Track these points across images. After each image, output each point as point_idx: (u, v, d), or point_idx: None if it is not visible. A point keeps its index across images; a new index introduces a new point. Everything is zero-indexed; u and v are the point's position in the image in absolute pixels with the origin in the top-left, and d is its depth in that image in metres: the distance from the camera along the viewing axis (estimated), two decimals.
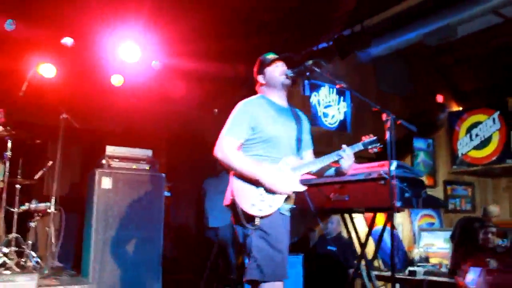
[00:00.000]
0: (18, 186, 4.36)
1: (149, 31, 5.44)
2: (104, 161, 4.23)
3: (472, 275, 1.55)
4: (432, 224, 7.48)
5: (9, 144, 4.13)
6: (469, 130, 7.68)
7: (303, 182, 3.94)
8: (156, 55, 5.70)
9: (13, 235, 4.30)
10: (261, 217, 2.63)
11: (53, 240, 4.43)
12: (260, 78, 2.94)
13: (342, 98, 7.28)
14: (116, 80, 5.80)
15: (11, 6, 4.64)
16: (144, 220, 4.27)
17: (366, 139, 2.91)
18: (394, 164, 3.27)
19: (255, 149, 2.78)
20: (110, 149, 4.29)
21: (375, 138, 2.89)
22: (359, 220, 6.32)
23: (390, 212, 2.75)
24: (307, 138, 3.01)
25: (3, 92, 4.35)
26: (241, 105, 2.82)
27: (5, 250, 4.07)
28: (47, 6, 4.62)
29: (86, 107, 5.09)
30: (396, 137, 7.94)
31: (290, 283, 4.29)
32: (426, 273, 5.32)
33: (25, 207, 4.52)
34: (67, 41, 5.29)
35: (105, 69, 5.67)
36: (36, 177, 4.52)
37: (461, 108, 8.07)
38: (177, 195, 5.35)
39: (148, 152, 4.45)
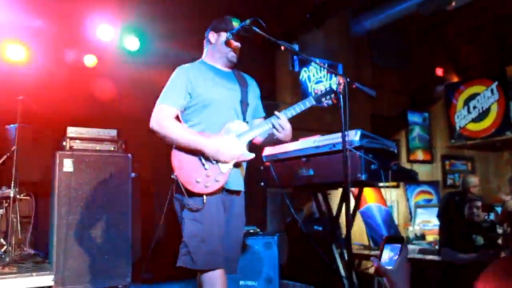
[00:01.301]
0: None
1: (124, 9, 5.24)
2: (65, 143, 4.03)
3: (388, 254, 1.30)
4: (430, 200, 7.22)
5: None
6: (466, 102, 7.35)
7: (269, 157, 3.75)
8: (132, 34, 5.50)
9: None
10: (207, 195, 2.41)
11: (19, 228, 4.27)
12: (211, 36, 2.68)
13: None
14: (90, 61, 5.61)
15: None
16: (110, 203, 4.08)
17: (319, 92, 2.63)
18: (358, 133, 3.02)
19: (196, 117, 2.54)
20: (71, 130, 4.09)
21: (328, 88, 2.62)
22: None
23: (344, 187, 2.48)
24: (254, 103, 2.74)
25: None
26: (177, 70, 2.58)
27: None
28: None
29: (54, 89, 4.89)
30: (389, 111, 7.61)
31: (265, 265, 4.14)
32: (421, 251, 5.08)
33: None
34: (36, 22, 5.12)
35: (78, 49, 5.48)
36: None
37: (457, 80, 7.72)
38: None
39: (112, 132, 4.24)
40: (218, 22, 2.67)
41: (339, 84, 2.52)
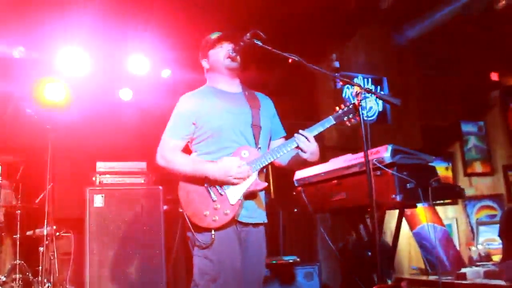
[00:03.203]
0: (18, 211, 4.26)
1: (158, 41, 5.25)
2: (94, 178, 4.01)
3: None
4: (493, 216, 6.58)
5: None
6: None
7: (300, 182, 3.51)
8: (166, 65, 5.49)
9: (17, 261, 4.19)
10: (216, 229, 2.22)
11: (56, 266, 4.26)
12: (204, 63, 2.54)
13: (379, 87, 6.66)
14: (125, 94, 5.66)
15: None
16: (142, 237, 3.99)
17: (339, 110, 2.38)
18: (389, 149, 2.73)
19: (204, 146, 2.38)
20: (100, 165, 4.08)
21: (350, 106, 2.36)
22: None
23: (371, 212, 2.20)
24: (269, 124, 2.52)
25: None
26: (181, 99, 2.44)
27: (2, 278, 3.95)
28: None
29: (89, 124, 4.94)
30: (441, 121, 7.11)
31: None
32: (487, 275, 4.57)
33: (30, 232, 4.42)
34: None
35: (113, 83, 5.54)
36: (37, 200, 4.40)
37: None
38: None
39: (142, 165, 4.17)
40: (201, 48, 2.54)
41: (356, 95, 2.26)
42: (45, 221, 4.06)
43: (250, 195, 2.30)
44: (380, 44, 6.75)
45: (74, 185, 4.70)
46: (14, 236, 4.27)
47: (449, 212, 6.39)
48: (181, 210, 2.27)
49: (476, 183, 6.64)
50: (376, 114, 6.52)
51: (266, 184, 2.32)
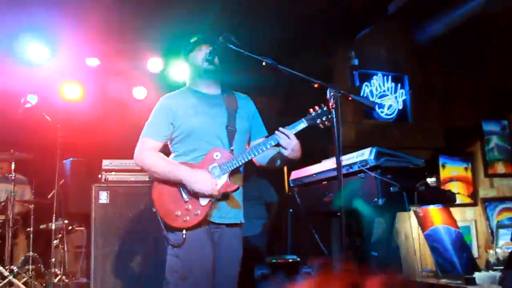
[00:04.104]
0: (31, 206, 4.46)
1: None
2: (100, 175, 4.15)
3: None
4: None
5: (13, 166, 4.24)
6: None
7: (295, 182, 3.52)
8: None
9: (30, 254, 4.40)
10: (188, 229, 2.28)
11: (66, 258, 4.45)
12: (184, 66, 2.60)
13: (399, 85, 6.53)
14: (140, 93, 5.80)
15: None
16: (146, 233, 4.08)
17: (313, 112, 2.38)
18: (373, 151, 2.70)
19: (180, 147, 2.45)
20: (106, 163, 4.20)
21: (324, 108, 2.36)
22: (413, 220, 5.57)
23: (340, 217, 2.19)
24: (247, 125, 2.55)
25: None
26: (160, 100, 2.51)
27: (15, 269, 4.16)
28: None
29: (104, 123, 5.10)
30: (465, 121, 6.88)
31: None
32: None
33: (43, 226, 4.63)
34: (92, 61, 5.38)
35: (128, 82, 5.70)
36: (49, 196, 4.60)
37: None
38: None
39: None
40: (183, 51, 2.58)
41: (331, 97, 2.25)
42: (53, 216, 4.22)
43: (222, 197, 2.34)
44: (401, 40, 6.60)
45: (88, 181, 4.88)
46: (27, 230, 4.48)
47: (467, 214, 6.22)
48: (154, 210, 2.34)
49: (497, 184, 6.41)
50: (396, 112, 6.39)
51: (237, 185, 2.34)
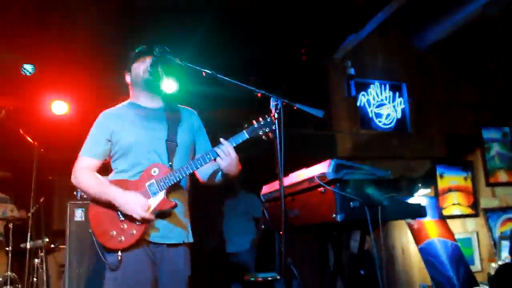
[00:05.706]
0: (10, 225, 4.42)
1: None
2: (75, 192, 4.08)
3: None
4: None
5: None
6: None
7: (265, 197, 3.38)
8: None
9: (8, 273, 4.34)
10: (123, 250, 2.16)
11: (45, 277, 4.38)
12: (126, 78, 2.49)
13: (397, 93, 6.38)
14: None
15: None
16: None
17: (255, 123, 2.27)
18: (332, 164, 2.55)
19: (119, 164, 2.34)
20: None
21: (268, 119, 2.24)
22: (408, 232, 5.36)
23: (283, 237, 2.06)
24: (190, 139, 2.44)
25: None
26: (99, 116, 2.41)
27: None
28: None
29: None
30: (467, 129, 6.66)
31: None
32: None
33: (24, 245, 4.56)
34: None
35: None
36: (29, 214, 4.54)
37: None
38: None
39: None
40: (125, 62, 2.47)
41: (273, 107, 2.13)
42: (28, 234, 4.16)
43: (161, 215, 2.23)
44: (399, 48, 6.46)
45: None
46: (6, 248, 4.42)
47: (468, 225, 5.97)
48: (90, 231, 2.24)
49: (500, 194, 6.15)
50: (395, 121, 6.22)
51: (174, 203, 2.23)
